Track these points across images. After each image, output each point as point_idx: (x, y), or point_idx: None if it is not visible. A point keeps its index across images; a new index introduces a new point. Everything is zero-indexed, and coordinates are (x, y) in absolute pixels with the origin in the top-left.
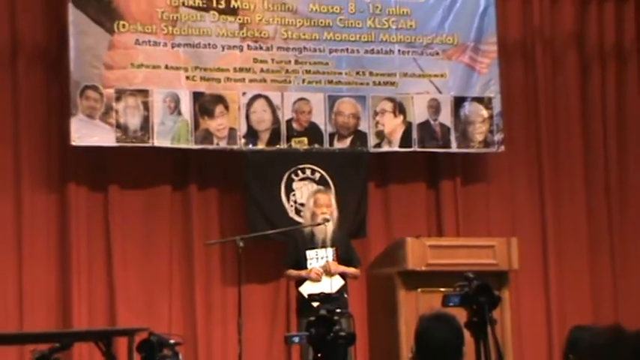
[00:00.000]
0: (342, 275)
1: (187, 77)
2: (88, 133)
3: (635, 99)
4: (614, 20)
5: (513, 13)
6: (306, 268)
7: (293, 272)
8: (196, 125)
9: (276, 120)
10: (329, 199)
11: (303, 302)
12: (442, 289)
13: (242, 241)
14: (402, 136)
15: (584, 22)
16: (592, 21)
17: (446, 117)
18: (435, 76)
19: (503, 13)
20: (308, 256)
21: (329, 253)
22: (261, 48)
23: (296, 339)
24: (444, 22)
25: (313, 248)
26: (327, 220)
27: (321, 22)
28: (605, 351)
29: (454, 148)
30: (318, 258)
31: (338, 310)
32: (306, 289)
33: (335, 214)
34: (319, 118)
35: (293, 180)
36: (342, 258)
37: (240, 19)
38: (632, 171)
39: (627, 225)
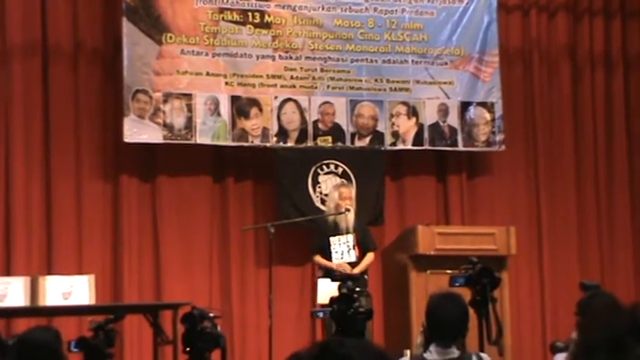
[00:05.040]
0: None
1: (226, 83)
2: (138, 131)
3: (620, 103)
4: (603, 33)
5: (514, 25)
6: (329, 252)
7: (321, 261)
8: (233, 125)
9: (303, 121)
10: (350, 192)
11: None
12: (449, 272)
13: (273, 227)
14: (414, 136)
15: (576, 35)
16: (583, 34)
17: (453, 119)
18: (444, 83)
19: (505, 25)
20: (331, 242)
21: (350, 239)
22: (291, 58)
23: (321, 314)
24: (452, 36)
25: (336, 235)
26: (348, 210)
27: (344, 36)
28: (605, 317)
29: (460, 147)
30: (340, 243)
31: (357, 289)
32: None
33: (354, 205)
34: (342, 119)
35: (319, 174)
36: (361, 242)
37: (272, 32)
38: (619, 167)
39: (612, 214)
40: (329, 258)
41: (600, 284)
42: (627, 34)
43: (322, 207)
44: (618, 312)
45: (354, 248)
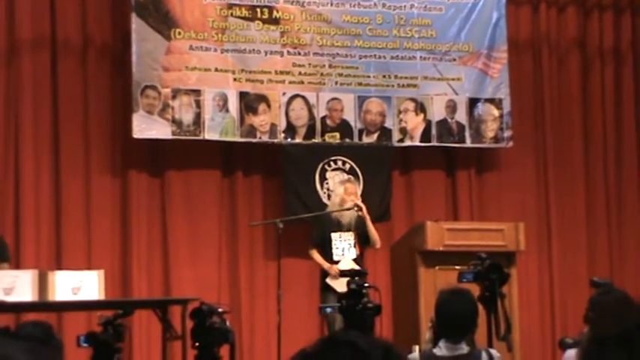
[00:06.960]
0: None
1: (234, 79)
2: (147, 127)
3: (630, 98)
4: (613, 27)
5: (523, 20)
6: (330, 248)
7: (317, 257)
8: (242, 121)
9: (312, 117)
10: (355, 188)
11: (325, 288)
12: (457, 267)
13: (281, 223)
14: (422, 132)
15: (586, 29)
16: (593, 28)
17: (461, 116)
18: (452, 79)
19: (515, 19)
20: (333, 238)
21: (351, 236)
22: (299, 53)
23: (329, 309)
24: (460, 32)
25: (338, 231)
26: (358, 206)
27: (352, 32)
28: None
29: (468, 143)
30: (341, 240)
31: (367, 285)
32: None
33: (359, 201)
34: (350, 115)
35: (326, 170)
36: (362, 240)
37: (281, 28)
38: (628, 163)
39: (622, 210)
40: (328, 253)
41: (611, 281)
42: (637, 28)
43: (329, 203)
44: (629, 307)
45: (354, 246)
